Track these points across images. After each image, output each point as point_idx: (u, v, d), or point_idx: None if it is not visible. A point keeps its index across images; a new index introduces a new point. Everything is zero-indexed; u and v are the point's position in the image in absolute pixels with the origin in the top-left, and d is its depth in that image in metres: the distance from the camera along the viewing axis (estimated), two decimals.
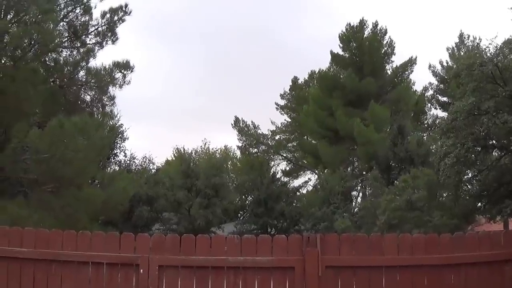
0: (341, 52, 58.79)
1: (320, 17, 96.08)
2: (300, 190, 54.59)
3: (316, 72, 63.94)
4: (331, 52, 58.92)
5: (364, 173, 54.20)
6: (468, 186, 29.17)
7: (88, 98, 30.32)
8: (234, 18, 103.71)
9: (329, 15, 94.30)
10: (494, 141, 26.69)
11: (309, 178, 65.93)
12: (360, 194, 54.36)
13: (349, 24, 58.18)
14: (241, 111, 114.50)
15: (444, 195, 30.97)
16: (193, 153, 69.48)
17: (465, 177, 27.57)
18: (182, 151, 66.63)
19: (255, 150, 66.75)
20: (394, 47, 59.03)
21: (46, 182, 22.53)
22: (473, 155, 24.88)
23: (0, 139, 24.49)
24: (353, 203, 50.58)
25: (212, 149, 72.85)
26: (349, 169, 57.46)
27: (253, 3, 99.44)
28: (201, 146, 72.11)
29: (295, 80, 68.39)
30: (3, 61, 24.76)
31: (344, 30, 58.21)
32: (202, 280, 8.42)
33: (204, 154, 70.42)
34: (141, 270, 8.39)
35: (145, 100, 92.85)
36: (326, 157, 54.92)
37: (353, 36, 57.63)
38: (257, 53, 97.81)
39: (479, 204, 28.95)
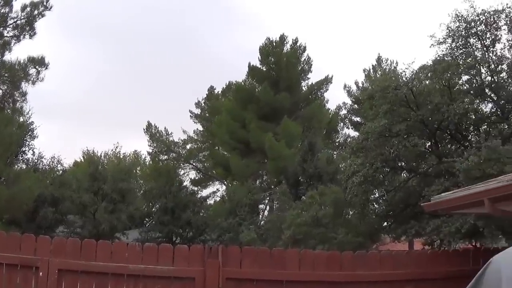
0: (259, 65, 59.12)
1: (247, 28, 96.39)
2: (207, 200, 54.63)
3: (233, 83, 64.09)
4: (249, 65, 59.14)
5: (272, 187, 54.48)
6: (375, 205, 29.65)
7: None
8: (157, 20, 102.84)
9: (256, 27, 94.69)
10: (403, 163, 27.20)
11: (217, 189, 66.16)
12: (268, 207, 54.65)
13: (269, 38, 58.67)
14: (155, 116, 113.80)
15: (351, 213, 31.38)
16: (103, 156, 68.97)
17: (372, 196, 28.02)
18: (91, 153, 66.08)
19: (166, 157, 66.54)
20: (312, 64, 59.91)
21: None
22: (381, 175, 25.29)
23: None
24: (260, 216, 50.77)
25: (123, 153, 72.41)
26: (258, 182, 57.75)
27: (179, 7, 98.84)
28: (112, 150, 71.58)
29: (211, 89, 68.45)
30: None
31: (264, 44, 58.63)
32: (102, 286, 8.34)
33: (114, 158, 69.89)
34: (41, 273, 8.25)
35: (58, 99, 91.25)
36: (236, 168, 55.03)
37: (272, 51, 58.05)
38: (178, 59, 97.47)
39: (385, 223, 29.42)
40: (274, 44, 58.25)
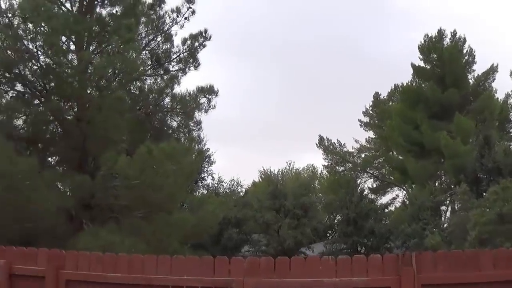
0: (422, 64, 58.26)
1: (401, 27, 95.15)
2: (388, 207, 54.10)
3: (399, 85, 63.21)
4: (412, 64, 58.34)
5: (452, 186, 53.30)
6: None
7: (174, 124, 30.74)
8: (311, 31, 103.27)
9: (409, 25, 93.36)
10: None
11: (396, 195, 65.42)
12: (449, 208, 53.46)
13: (427, 35, 57.68)
14: (324, 128, 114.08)
15: None
16: (279, 173, 69.87)
17: None
18: (268, 172, 67.12)
19: (342, 168, 66.50)
20: (475, 55, 58.03)
21: (137, 208, 22.90)
22: None
23: (90, 167, 25.03)
24: (442, 219, 49.79)
25: (297, 169, 73.09)
26: (436, 183, 56.71)
27: (329, 15, 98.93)
28: (285, 167, 72.36)
29: (376, 96, 67.92)
30: (88, 91, 25.25)
31: (423, 41, 57.75)
32: None
33: (290, 174, 70.65)
34: None
35: (227, 121, 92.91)
36: (414, 172, 54.31)
37: (432, 47, 56.99)
38: (336, 67, 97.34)
39: None
40: (433, 39, 57.16)
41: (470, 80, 59.04)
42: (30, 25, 24.95)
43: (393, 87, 65.77)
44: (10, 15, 26.35)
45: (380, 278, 8.17)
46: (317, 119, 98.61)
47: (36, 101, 26.98)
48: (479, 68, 59.21)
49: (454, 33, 57.39)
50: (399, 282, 8.07)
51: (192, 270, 8.81)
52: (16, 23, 26.02)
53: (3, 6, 26.55)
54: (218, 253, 11.32)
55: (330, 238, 49.78)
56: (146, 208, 22.86)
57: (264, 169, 69.88)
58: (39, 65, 25.52)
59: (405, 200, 53.04)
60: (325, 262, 8.41)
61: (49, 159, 28.65)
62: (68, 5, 26.33)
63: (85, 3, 26.29)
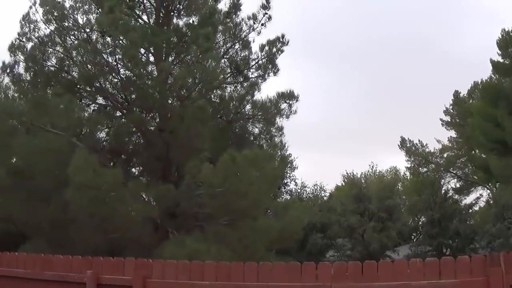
0: (500, 59, 57.15)
1: (479, 23, 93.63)
2: (473, 207, 53.27)
3: (479, 83, 62.33)
4: (491, 60, 57.20)
5: None
6: None
7: (256, 130, 30.92)
8: (388, 31, 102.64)
9: (487, 21, 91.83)
10: None
11: (480, 194, 64.32)
12: None
13: (504, 29, 56.55)
14: (405, 129, 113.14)
15: None
16: (362, 177, 69.54)
17: None
18: (351, 175, 66.84)
19: (425, 169, 65.79)
20: None
21: (221, 216, 23.06)
22: None
23: (174, 177, 25.35)
24: None
25: (380, 171, 72.64)
26: None
27: (405, 14, 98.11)
28: (368, 170, 71.97)
29: (456, 94, 67.02)
30: (169, 102, 25.58)
31: (500, 36, 56.68)
32: None
33: (373, 177, 70.25)
34: None
35: (308, 125, 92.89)
36: (497, 170, 53.22)
37: (510, 41, 55.72)
38: (415, 67, 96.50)
39: None
40: (511, 34, 55.98)
41: None
42: (108, 39, 25.62)
43: (472, 85, 64.87)
44: (88, 30, 27.10)
45: (468, 279, 8.06)
46: (398, 120, 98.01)
47: (118, 113, 27.63)
48: None
49: None
50: (487, 283, 7.96)
51: (279, 276, 8.88)
52: (94, 37, 26.78)
53: (80, 22, 27.34)
54: (303, 259, 11.41)
55: (415, 240, 49.27)
56: (231, 215, 22.99)
57: (347, 173, 69.75)
58: (119, 77, 26.16)
59: (489, 200, 52.13)
60: (413, 264, 8.35)
61: (133, 170, 29.17)
62: (145, 17, 26.87)
63: (161, 14, 26.73)
